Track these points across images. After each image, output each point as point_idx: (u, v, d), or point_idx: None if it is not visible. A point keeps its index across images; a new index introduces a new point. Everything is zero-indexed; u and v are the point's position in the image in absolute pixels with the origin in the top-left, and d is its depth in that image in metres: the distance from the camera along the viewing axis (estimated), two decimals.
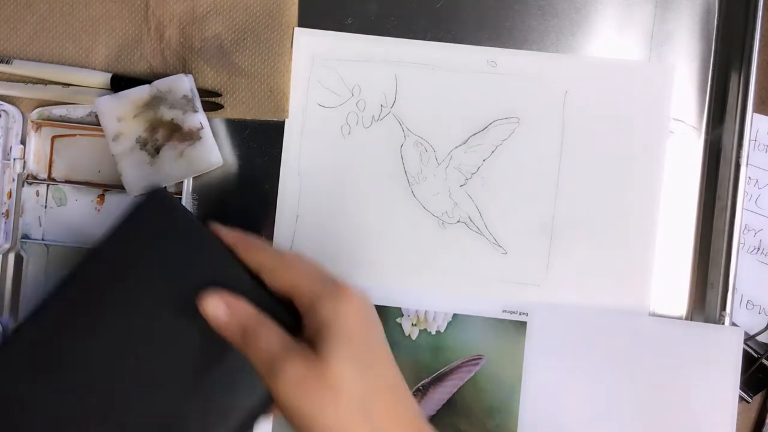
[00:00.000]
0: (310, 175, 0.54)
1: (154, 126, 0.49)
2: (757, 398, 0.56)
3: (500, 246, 0.54)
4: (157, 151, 0.49)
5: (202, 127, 0.50)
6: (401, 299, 0.53)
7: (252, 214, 0.54)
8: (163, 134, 0.49)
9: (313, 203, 0.54)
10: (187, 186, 0.52)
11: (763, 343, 0.56)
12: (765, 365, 0.55)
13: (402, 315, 0.53)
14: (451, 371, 0.53)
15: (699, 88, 0.55)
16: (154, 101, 0.49)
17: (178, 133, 0.49)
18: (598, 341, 0.53)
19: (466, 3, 0.55)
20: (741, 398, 0.56)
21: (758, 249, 0.57)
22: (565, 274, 0.54)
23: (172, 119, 0.49)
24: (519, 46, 0.55)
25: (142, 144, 0.49)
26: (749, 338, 0.56)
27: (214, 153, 0.51)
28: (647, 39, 0.55)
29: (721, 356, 0.53)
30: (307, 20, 0.55)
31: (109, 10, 0.54)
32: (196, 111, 0.50)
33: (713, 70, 0.55)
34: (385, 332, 0.52)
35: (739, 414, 0.55)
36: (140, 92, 0.50)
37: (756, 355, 0.55)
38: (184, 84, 0.51)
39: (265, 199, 0.54)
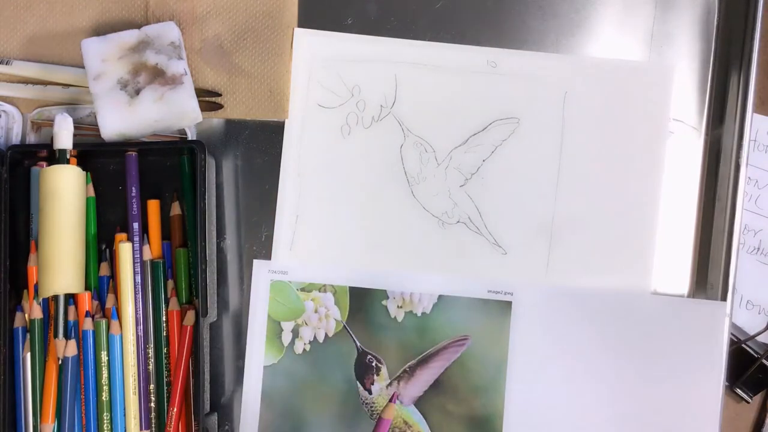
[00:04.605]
0: (310, 175, 0.54)
1: (137, 69, 0.49)
2: (757, 398, 0.56)
3: (500, 246, 0.54)
4: (137, 92, 0.49)
5: (186, 74, 0.50)
6: (385, 280, 0.53)
7: (252, 214, 0.54)
8: (146, 77, 0.49)
9: (313, 203, 0.54)
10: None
11: (763, 344, 0.56)
12: (765, 365, 0.55)
13: (387, 297, 0.53)
14: (438, 352, 0.53)
15: (699, 89, 0.55)
16: (141, 45, 0.49)
17: (161, 77, 0.48)
18: (583, 319, 0.53)
19: (466, 3, 0.55)
20: (741, 398, 0.56)
21: (758, 249, 0.57)
22: (565, 274, 0.54)
23: (157, 64, 0.49)
24: (519, 47, 0.55)
25: (123, 85, 0.49)
26: (749, 338, 0.56)
27: (193, 101, 0.51)
28: (647, 39, 0.55)
29: (706, 330, 0.52)
30: (307, 21, 0.55)
31: (108, 10, 0.54)
32: (182, 59, 0.51)
33: (713, 71, 0.55)
34: (371, 315, 0.53)
35: (739, 414, 0.56)
36: (128, 36, 0.51)
37: (756, 355, 0.55)
38: (173, 31, 0.51)
39: (265, 199, 0.54)
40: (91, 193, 0.52)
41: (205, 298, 0.50)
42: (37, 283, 0.50)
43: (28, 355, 0.50)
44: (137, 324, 0.51)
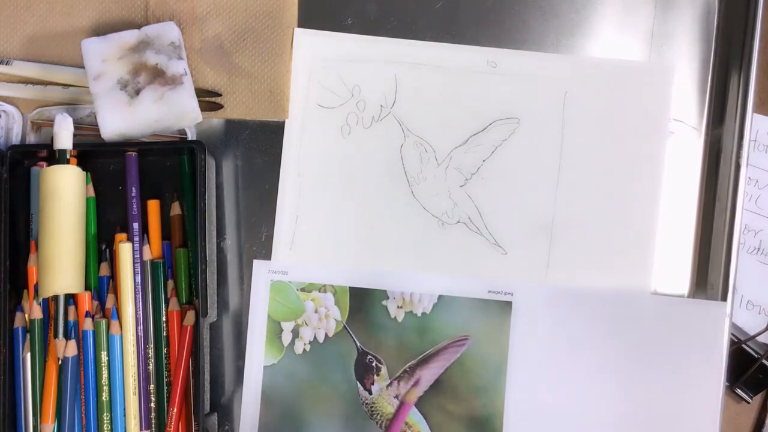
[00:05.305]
0: (310, 176, 0.54)
1: (137, 69, 0.49)
2: (758, 398, 0.56)
3: (500, 246, 0.54)
4: (137, 93, 0.49)
5: (186, 74, 0.50)
6: (385, 280, 0.53)
7: (252, 213, 0.54)
8: (146, 78, 0.49)
9: (313, 203, 0.54)
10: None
11: (763, 344, 0.56)
12: (765, 365, 0.55)
13: (387, 297, 0.53)
14: (438, 352, 0.53)
15: (699, 89, 0.55)
16: (141, 45, 0.50)
17: (161, 77, 0.49)
18: (583, 319, 0.53)
19: (466, 3, 0.55)
20: (741, 398, 0.56)
21: (758, 249, 0.57)
22: (565, 275, 0.54)
23: (157, 64, 0.49)
24: (519, 47, 0.55)
25: (123, 85, 0.49)
26: (749, 338, 0.56)
27: (193, 101, 0.51)
28: (647, 39, 0.55)
29: (707, 330, 0.52)
30: (307, 21, 0.55)
31: (108, 10, 0.54)
32: (182, 59, 0.51)
33: (713, 71, 0.55)
34: (371, 315, 0.53)
35: (739, 414, 0.56)
36: (128, 36, 0.51)
37: (756, 356, 0.55)
38: (173, 31, 0.51)
39: (265, 200, 0.54)
40: (91, 193, 0.52)
41: (205, 299, 0.50)
42: (37, 283, 0.50)
43: (28, 355, 0.50)
44: (137, 324, 0.51)
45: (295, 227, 0.54)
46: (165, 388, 0.51)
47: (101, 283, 0.52)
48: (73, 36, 0.53)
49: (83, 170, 0.51)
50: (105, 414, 0.50)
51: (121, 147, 0.51)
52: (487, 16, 0.55)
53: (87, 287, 0.51)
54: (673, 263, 0.54)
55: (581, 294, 0.53)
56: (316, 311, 0.54)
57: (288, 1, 0.54)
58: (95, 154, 0.53)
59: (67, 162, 0.50)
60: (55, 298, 0.49)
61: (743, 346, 0.56)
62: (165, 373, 0.51)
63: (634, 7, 0.55)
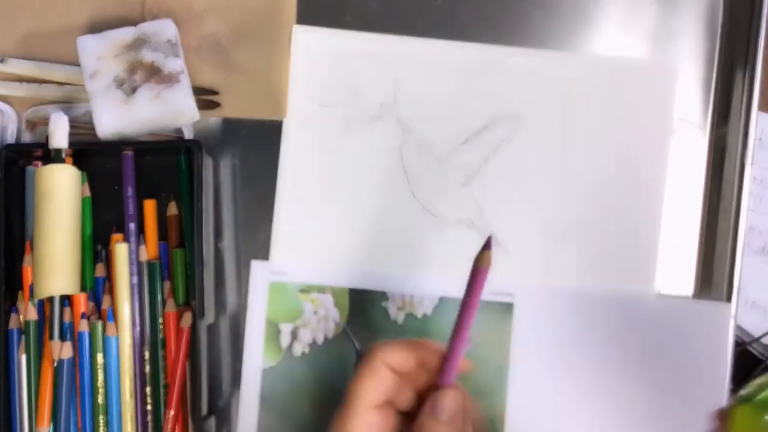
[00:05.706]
0: (309, 175, 0.54)
1: (133, 67, 0.49)
2: None
3: (501, 246, 0.53)
4: (133, 91, 0.48)
5: (182, 72, 0.50)
6: (385, 282, 0.53)
7: (250, 214, 0.54)
8: (142, 76, 0.49)
9: (312, 203, 0.54)
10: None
11: None
12: None
13: (387, 299, 0.53)
14: None
15: (703, 87, 0.55)
16: (137, 43, 0.49)
17: (157, 75, 0.48)
18: (585, 320, 0.53)
19: (467, 0, 0.54)
20: None
21: (763, 249, 0.56)
22: (567, 275, 0.53)
23: (153, 62, 0.49)
24: (521, 44, 0.54)
25: (119, 83, 0.49)
26: (754, 340, 0.55)
27: (190, 99, 0.50)
28: (651, 37, 0.55)
29: (711, 331, 0.52)
30: (306, 18, 0.54)
31: (104, 7, 0.53)
32: (178, 56, 0.50)
33: (717, 69, 0.55)
34: (371, 316, 0.52)
35: None
36: (124, 33, 0.50)
37: (761, 357, 0.55)
38: (169, 29, 0.51)
39: (263, 199, 0.54)
40: (87, 193, 0.52)
41: (202, 300, 0.50)
42: (32, 284, 0.50)
43: (24, 357, 0.50)
44: (133, 326, 0.51)
45: (294, 227, 0.54)
46: (162, 390, 0.51)
47: (97, 284, 0.51)
48: (69, 33, 0.53)
49: (79, 170, 0.51)
50: (101, 416, 0.50)
51: (117, 146, 0.51)
52: (488, 14, 0.55)
53: (83, 288, 0.51)
54: (677, 263, 0.54)
55: (584, 295, 0.53)
56: (315, 313, 0.53)
57: None
58: (91, 154, 0.52)
59: (63, 161, 0.50)
60: (51, 299, 0.49)
61: (748, 347, 0.55)
62: (162, 376, 0.51)
63: (637, 5, 0.55)
